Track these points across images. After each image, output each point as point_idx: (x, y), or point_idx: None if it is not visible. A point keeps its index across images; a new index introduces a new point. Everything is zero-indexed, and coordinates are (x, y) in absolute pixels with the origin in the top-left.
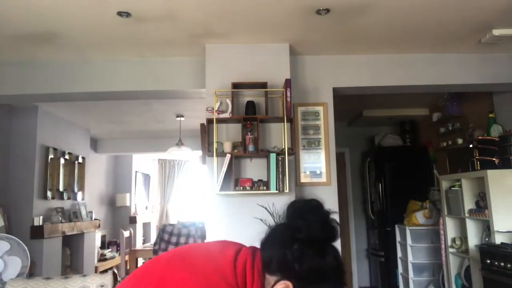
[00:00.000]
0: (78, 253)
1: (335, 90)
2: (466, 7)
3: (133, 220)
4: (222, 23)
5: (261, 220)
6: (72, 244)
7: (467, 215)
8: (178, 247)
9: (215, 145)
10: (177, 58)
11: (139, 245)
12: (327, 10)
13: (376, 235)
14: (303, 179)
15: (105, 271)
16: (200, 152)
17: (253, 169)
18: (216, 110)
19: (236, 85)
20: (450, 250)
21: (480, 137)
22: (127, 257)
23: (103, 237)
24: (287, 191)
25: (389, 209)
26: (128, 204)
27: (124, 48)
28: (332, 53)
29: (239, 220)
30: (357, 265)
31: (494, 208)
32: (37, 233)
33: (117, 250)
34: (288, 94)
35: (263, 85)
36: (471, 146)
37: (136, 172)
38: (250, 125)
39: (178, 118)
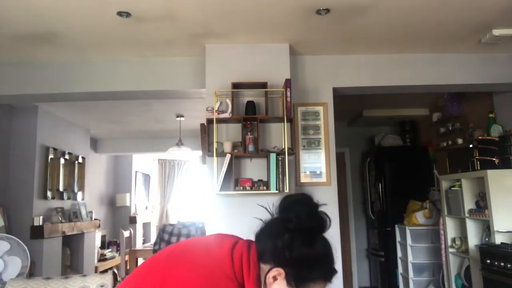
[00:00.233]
0: (78, 253)
1: (335, 90)
2: (466, 7)
3: (133, 220)
4: (222, 23)
5: (261, 220)
6: (72, 244)
7: (467, 215)
8: (176, 243)
9: (215, 145)
10: (177, 58)
11: (139, 245)
12: (327, 10)
13: (376, 235)
14: (303, 179)
15: (105, 271)
16: (200, 152)
17: (253, 169)
18: (216, 110)
19: (236, 85)
20: (450, 250)
21: (480, 137)
22: (127, 257)
23: (103, 237)
24: (287, 191)
25: (389, 209)
26: (128, 204)
27: (124, 48)
28: (332, 53)
29: (239, 220)
30: (357, 265)
31: (494, 208)
32: (37, 233)
33: (117, 250)
34: (288, 94)
35: (263, 85)
36: (471, 146)
37: (136, 172)
38: (250, 125)
39: (178, 118)
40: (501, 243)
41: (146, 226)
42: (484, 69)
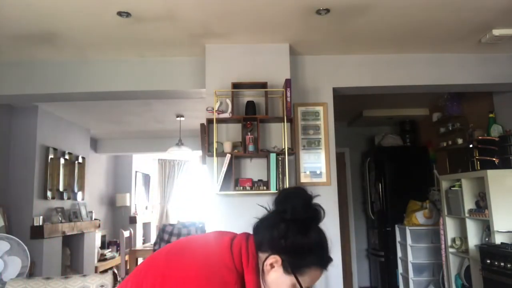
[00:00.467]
0: (78, 253)
1: (335, 90)
2: (466, 7)
3: (133, 220)
4: (222, 23)
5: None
6: (72, 244)
7: (467, 215)
8: (175, 241)
9: (215, 145)
10: (177, 58)
11: (139, 245)
12: (327, 10)
13: (376, 235)
14: (303, 179)
15: (105, 271)
16: (200, 152)
17: (253, 169)
18: (216, 110)
19: (236, 85)
20: (450, 250)
21: (480, 137)
22: (127, 257)
23: (103, 237)
24: None
25: (389, 209)
26: (128, 204)
27: (124, 48)
28: (332, 53)
29: (239, 220)
30: (357, 265)
31: (494, 208)
32: (37, 233)
33: (117, 250)
34: (288, 94)
35: (263, 85)
36: (471, 146)
37: (136, 172)
38: (250, 125)
39: (178, 118)
40: (501, 243)
41: (146, 226)
42: (484, 69)
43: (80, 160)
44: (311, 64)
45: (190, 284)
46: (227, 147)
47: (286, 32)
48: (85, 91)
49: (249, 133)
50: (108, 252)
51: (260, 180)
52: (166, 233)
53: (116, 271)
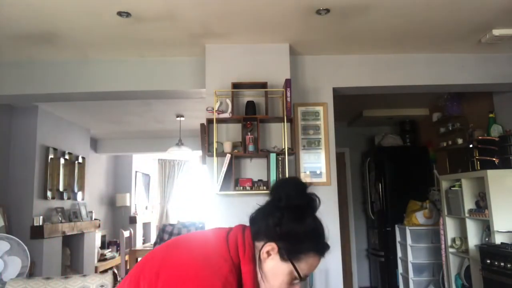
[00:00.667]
0: (78, 253)
1: (335, 90)
2: (466, 7)
3: (133, 220)
4: (222, 23)
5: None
6: (72, 244)
7: (467, 215)
8: (172, 238)
9: (215, 145)
10: (177, 58)
11: (139, 245)
12: (327, 10)
13: (376, 235)
14: (303, 179)
15: (105, 271)
16: (200, 152)
17: (253, 169)
18: (216, 110)
19: (236, 85)
20: (450, 250)
21: (480, 137)
22: (127, 257)
23: (103, 237)
24: None
25: (389, 209)
26: (128, 204)
27: (124, 48)
28: (332, 53)
29: (239, 220)
30: (357, 265)
31: (494, 208)
32: (37, 233)
33: (117, 250)
34: (288, 94)
35: (263, 85)
36: (471, 146)
37: (136, 172)
38: (250, 125)
39: (178, 118)
40: (501, 243)
41: (146, 226)
42: (484, 69)
43: (80, 160)
44: (311, 64)
45: (184, 273)
46: (227, 147)
47: (286, 32)
48: (85, 91)
49: (249, 133)
50: (108, 252)
51: (260, 180)
52: (166, 233)
53: (116, 271)
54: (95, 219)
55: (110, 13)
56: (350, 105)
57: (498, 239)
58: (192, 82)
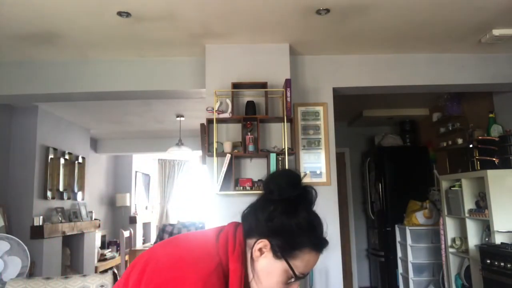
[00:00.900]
0: (78, 253)
1: (335, 90)
2: (466, 7)
3: (133, 220)
4: (222, 23)
5: None
6: (72, 244)
7: (467, 215)
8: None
9: (215, 145)
10: (177, 58)
11: (139, 245)
12: (327, 10)
13: (376, 235)
14: (303, 179)
15: (105, 271)
16: (200, 152)
17: (253, 169)
18: (216, 110)
19: (236, 85)
20: (450, 250)
21: (480, 137)
22: (127, 257)
23: (103, 237)
24: None
25: (389, 209)
26: (128, 204)
27: (124, 48)
28: (332, 53)
29: (239, 220)
30: (357, 265)
31: (494, 208)
32: (37, 233)
33: (117, 250)
34: (288, 94)
35: (263, 85)
36: (471, 146)
37: (136, 172)
38: (250, 125)
39: (178, 118)
40: (501, 243)
41: (146, 226)
42: (484, 69)
43: (80, 160)
44: (311, 64)
45: (167, 272)
46: (227, 147)
47: (286, 32)
48: (86, 91)
49: (249, 133)
50: (108, 252)
51: (260, 180)
52: (166, 233)
53: (116, 271)
54: (95, 219)
55: (110, 13)
56: (350, 105)
57: (498, 239)
58: (192, 82)
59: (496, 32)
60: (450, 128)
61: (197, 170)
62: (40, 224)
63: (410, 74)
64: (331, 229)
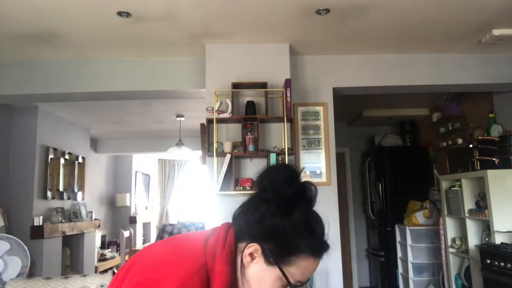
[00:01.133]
0: (78, 253)
1: (335, 90)
2: (466, 7)
3: (133, 220)
4: (222, 23)
5: None
6: (72, 244)
7: (467, 215)
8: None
9: (215, 145)
10: (177, 58)
11: (139, 245)
12: (327, 10)
13: (376, 235)
14: (303, 179)
15: (105, 271)
16: (200, 152)
17: (253, 169)
18: (216, 110)
19: (236, 85)
20: (450, 250)
21: (480, 137)
22: (127, 257)
23: (103, 237)
24: None
25: (389, 209)
26: (128, 204)
27: (124, 48)
28: (332, 53)
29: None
30: (357, 265)
31: (494, 208)
32: (37, 233)
33: (117, 250)
34: (288, 94)
35: (263, 85)
36: (471, 146)
37: (136, 172)
38: (250, 125)
39: (178, 118)
40: (501, 243)
41: (146, 226)
42: (484, 69)
43: (80, 160)
44: (311, 64)
45: (148, 269)
46: (227, 147)
47: (286, 32)
48: (86, 91)
49: (249, 133)
50: (108, 252)
51: None
52: (166, 233)
53: (116, 271)
54: (95, 219)
55: (110, 13)
56: (350, 105)
57: (498, 239)
58: (192, 82)
59: (496, 32)
60: (450, 128)
61: (197, 170)
62: (40, 224)
63: (410, 74)
64: (331, 229)
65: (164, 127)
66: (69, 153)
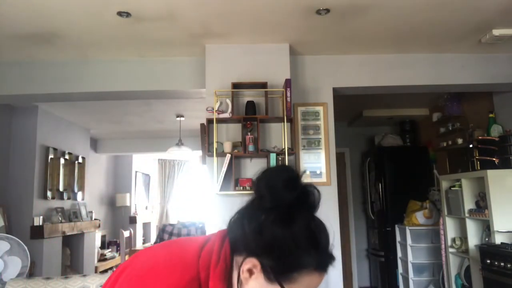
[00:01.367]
0: (78, 253)
1: (335, 90)
2: (466, 7)
3: (133, 220)
4: (222, 23)
5: None
6: (72, 244)
7: (467, 215)
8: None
9: (215, 145)
10: (177, 58)
11: (139, 245)
12: (327, 10)
13: (376, 235)
14: (303, 179)
15: (105, 271)
16: (200, 152)
17: (253, 169)
18: (216, 110)
19: (236, 85)
20: (450, 250)
21: (480, 137)
22: (127, 257)
23: (103, 237)
24: None
25: (389, 209)
26: (128, 204)
27: (124, 48)
28: (332, 53)
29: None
30: (357, 265)
31: (494, 208)
32: (37, 233)
33: (117, 250)
34: (288, 94)
35: (263, 85)
36: (471, 146)
37: (136, 172)
38: (250, 125)
39: (178, 118)
40: (501, 243)
41: (146, 226)
42: (484, 69)
43: (80, 160)
44: (311, 64)
45: (136, 278)
46: (227, 147)
47: (286, 32)
48: (86, 91)
49: (249, 133)
50: (108, 252)
51: None
52: (166, 233)
53: None
54: (95, 219)
55: (110, 13)
56: (350, 105)
57: (498, 239)
58: (192, 82)
59: (496, 32)
60: (450, 128)
61: (197, 170)
62: (40, 224)
63: (410, 74)
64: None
65: (164, 127)
66: (69, 153)
